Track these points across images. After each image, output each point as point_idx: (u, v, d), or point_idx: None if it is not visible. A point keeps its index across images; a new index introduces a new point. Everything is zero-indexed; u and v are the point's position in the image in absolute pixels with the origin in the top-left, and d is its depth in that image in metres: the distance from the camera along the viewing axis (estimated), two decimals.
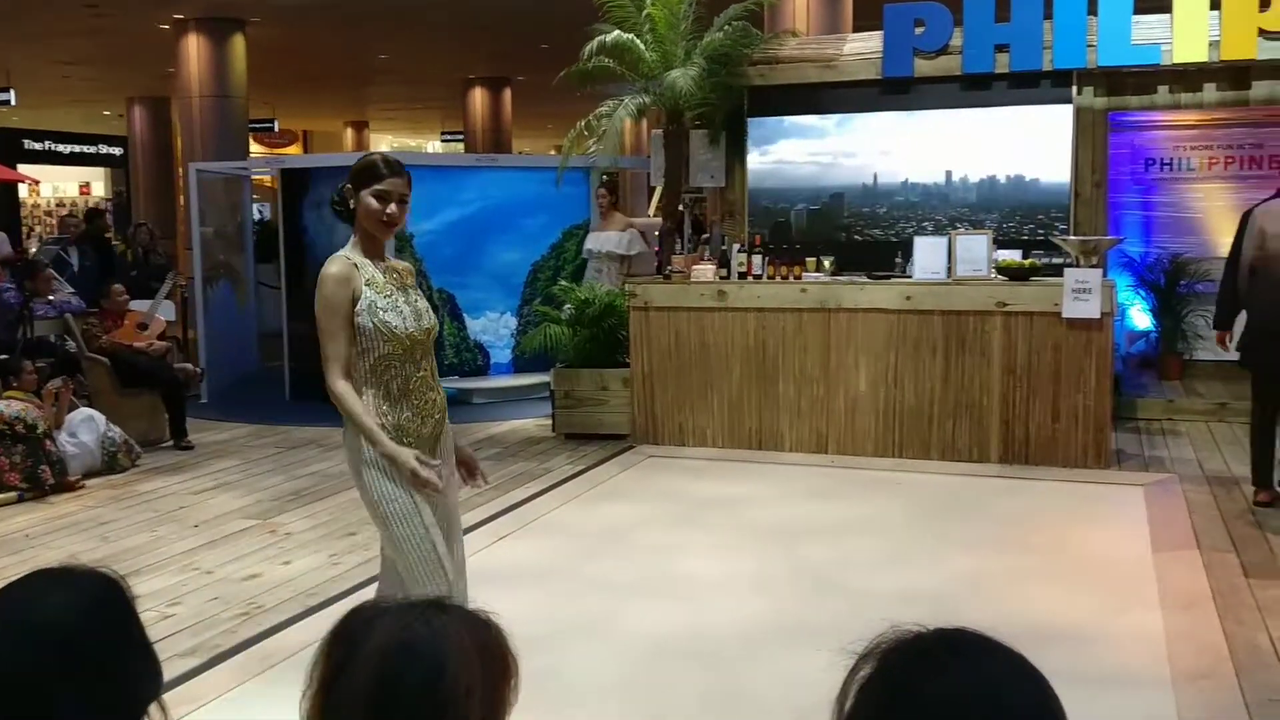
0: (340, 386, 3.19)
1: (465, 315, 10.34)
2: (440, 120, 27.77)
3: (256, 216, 14.31)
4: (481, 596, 5.10)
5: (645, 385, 7.93)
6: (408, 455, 3.13)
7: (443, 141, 30.53)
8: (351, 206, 3.27)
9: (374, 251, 3.31)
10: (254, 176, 13.36)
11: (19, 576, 1.36)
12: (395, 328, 3.22)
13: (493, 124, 22.38)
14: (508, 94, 22.46)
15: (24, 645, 1.27)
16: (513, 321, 10.63)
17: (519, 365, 10.39)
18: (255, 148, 25.52)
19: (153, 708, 1.37)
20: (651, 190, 12.97)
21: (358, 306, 3.19)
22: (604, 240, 9.74)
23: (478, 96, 22.34)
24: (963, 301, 7.24)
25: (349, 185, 3.27)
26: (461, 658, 1.20)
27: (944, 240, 7.51)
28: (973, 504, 6.38)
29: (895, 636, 1.10)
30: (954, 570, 5.18)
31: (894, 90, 8.83)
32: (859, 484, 6.86)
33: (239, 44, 15.19)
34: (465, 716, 1.19)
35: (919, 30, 8.57)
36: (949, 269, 7.39)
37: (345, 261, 3.24)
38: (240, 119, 15.47)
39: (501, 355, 10.54)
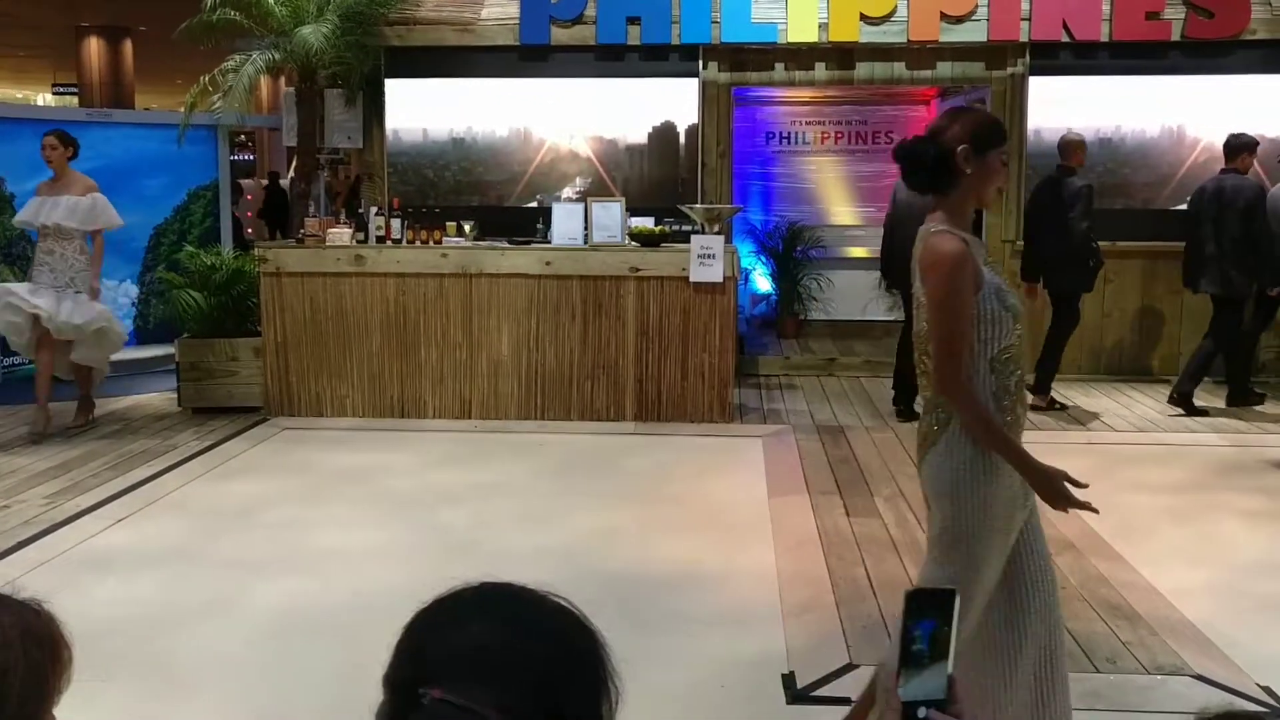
0: (971, 389, 2.67)
1: None
2: (51, 71, 25.29)
3: None
4: (99, 582, 4.73)
5: (279, 355, 7.60)
6: (1058, 474, 2.66)
7: (55, 94, 27.84)
8: (966, 170, 2.68)
9: (967, 224, 2.77)
10: None
11: None
12: (1020, 313, 2.75)
13: (112, 77, 20.62)
14: (128, 45, 20.76)
15: None
16: (134, 290, 9.88)
17: (143, 337, 9.68)
18: None
19: None
20: (291, 151, 12.42)
21: (982, 292, 2.68)
22: (53, 208, 7.18)
23: (93, 46, 20.50)
24: (599, 266, 7.44)
25: (965, 145, 2.67)
26: None
27: (581, 207, 7.68)
28: (609, 462, 6.60)
29: (444, 593, 1.12)
30: (589, 526, 5.34)
31: (533, 58, 8.91)
32: (501, 447, 6.92)
33: None
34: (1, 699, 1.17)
35: None
36: (586, 235, 7.57)
37: (958, 238, 2.67)
38: None
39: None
